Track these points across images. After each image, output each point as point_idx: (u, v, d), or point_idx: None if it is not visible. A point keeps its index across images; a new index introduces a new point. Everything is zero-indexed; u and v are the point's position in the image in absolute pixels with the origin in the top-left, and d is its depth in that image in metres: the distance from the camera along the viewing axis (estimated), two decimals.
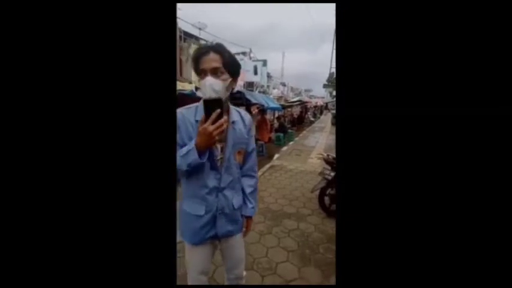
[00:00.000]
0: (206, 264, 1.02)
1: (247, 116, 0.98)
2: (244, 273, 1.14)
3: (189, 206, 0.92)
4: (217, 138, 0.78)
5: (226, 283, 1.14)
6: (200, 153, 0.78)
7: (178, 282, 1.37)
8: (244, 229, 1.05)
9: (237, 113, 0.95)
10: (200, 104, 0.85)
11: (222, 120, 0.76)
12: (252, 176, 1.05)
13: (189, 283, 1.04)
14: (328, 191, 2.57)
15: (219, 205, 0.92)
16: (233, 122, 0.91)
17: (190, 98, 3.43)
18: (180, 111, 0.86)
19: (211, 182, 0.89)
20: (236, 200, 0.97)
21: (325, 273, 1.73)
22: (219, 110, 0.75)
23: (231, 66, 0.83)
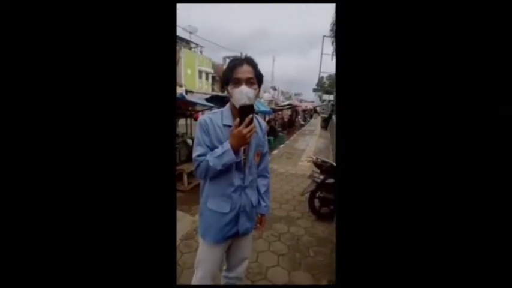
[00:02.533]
0: (219, 264, 1.09)
1: (262, 122, 1.10)
2: (244, 274, 1.18)
3: (214, 204, 0.99)
4: (249, 140, 0.88)
5: (223, 282, 1.17)
6: (235, 153, 0.88)
7: None
8: (258, 225, 1.16)
9: (254, 119, 1.03)
10: (225, 110, 0.98)
11: (253, 124, 0.87)
12: (266, 176, 1.16)
13: (196, 283, 1.08)
14: (318, 193, 2.59)
15: (242, 203, 1.00)
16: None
17: (181, 101, 3.39)
18: (208, 116, 0.96)
19: (237, 181, 0.97)
20: (254, 198, 1.07)
21: (316, 277, 1.73)
22: (251, 116, 0.86)
23: (259, 78, 0.94)
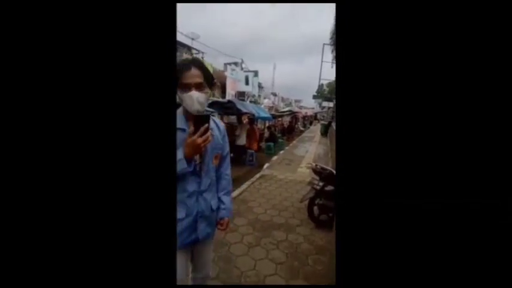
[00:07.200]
0: (184, 270, 1.06)
1: (221, 124, 1.10)
2: (210, 272, 1.23)
3: None
4: (203, 148, 0.88)
5: (190, 283, 1.19)
6: (188, 162, 0.87)
7: None
8: (220, 227, 1.11)
9: (211, 121, 1.01)
10: (178, 113, 0.95)
11: (209, 133, 0.86)
12: (226, 179, 1.14)
13: None
14: (317, 201, 2.57)
15: (200, 208, 0.98)
16: (210, 129, 0.97)
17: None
18: None
19: (192, 186, 0.95)
20: (214, 202, 1.06)
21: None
22: (207, 125, 0.85)
23: (210, 80, 0.93)
